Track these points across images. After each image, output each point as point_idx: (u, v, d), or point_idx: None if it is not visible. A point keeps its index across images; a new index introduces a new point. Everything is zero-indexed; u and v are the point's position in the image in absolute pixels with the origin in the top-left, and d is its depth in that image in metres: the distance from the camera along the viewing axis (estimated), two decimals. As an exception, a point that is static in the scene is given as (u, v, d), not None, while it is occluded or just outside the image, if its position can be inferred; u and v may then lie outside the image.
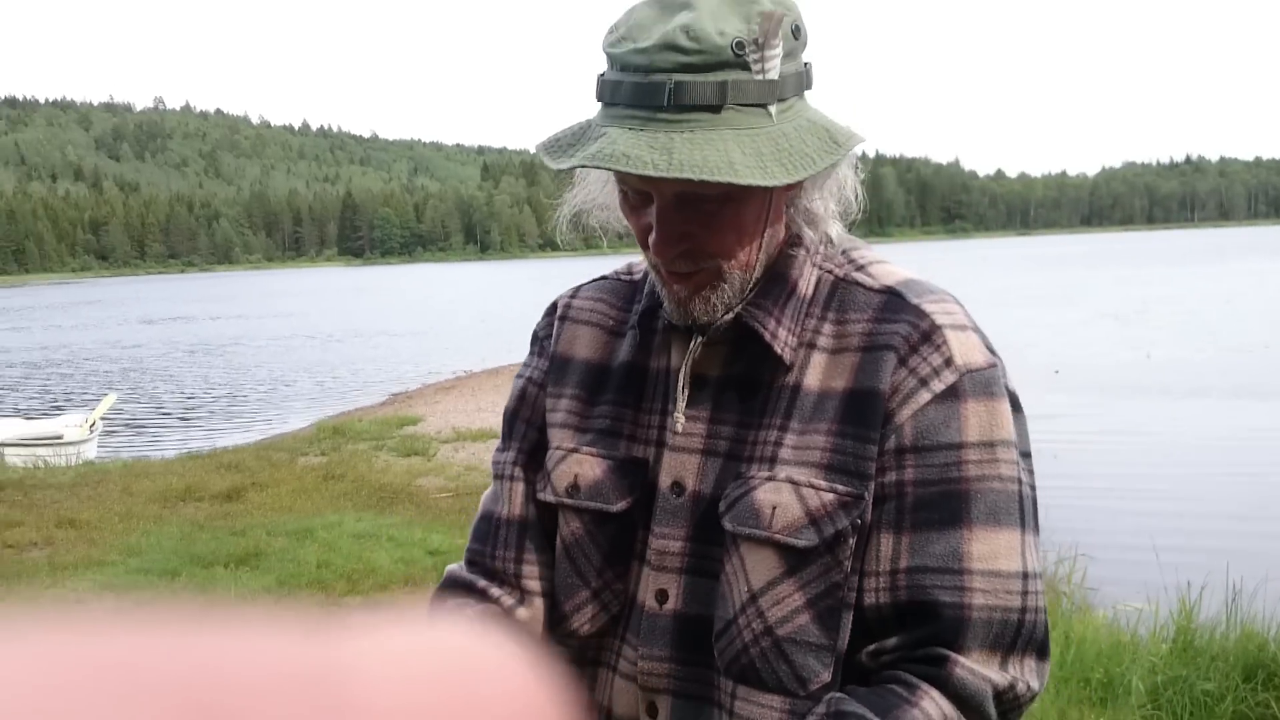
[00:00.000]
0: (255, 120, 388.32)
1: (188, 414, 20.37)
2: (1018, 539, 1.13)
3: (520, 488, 1.31)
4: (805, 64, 1.14)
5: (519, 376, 1.37)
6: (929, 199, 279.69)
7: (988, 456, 1.12)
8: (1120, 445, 12.98)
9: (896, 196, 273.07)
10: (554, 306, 1.37)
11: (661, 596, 1.20)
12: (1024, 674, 1.11)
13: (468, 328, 36.51)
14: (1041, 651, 1.14)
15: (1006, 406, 1.16)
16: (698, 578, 1.18)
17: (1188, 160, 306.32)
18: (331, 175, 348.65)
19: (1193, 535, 8.38)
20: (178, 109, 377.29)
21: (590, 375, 1.29)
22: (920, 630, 1.10)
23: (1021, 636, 1.11)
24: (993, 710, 1.09)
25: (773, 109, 1.08)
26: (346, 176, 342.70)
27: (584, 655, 1.26)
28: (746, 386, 1.20)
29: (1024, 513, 1.14)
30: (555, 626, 1.28)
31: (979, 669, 1.08)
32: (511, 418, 1.35)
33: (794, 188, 1.15)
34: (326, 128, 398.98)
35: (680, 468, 1.20)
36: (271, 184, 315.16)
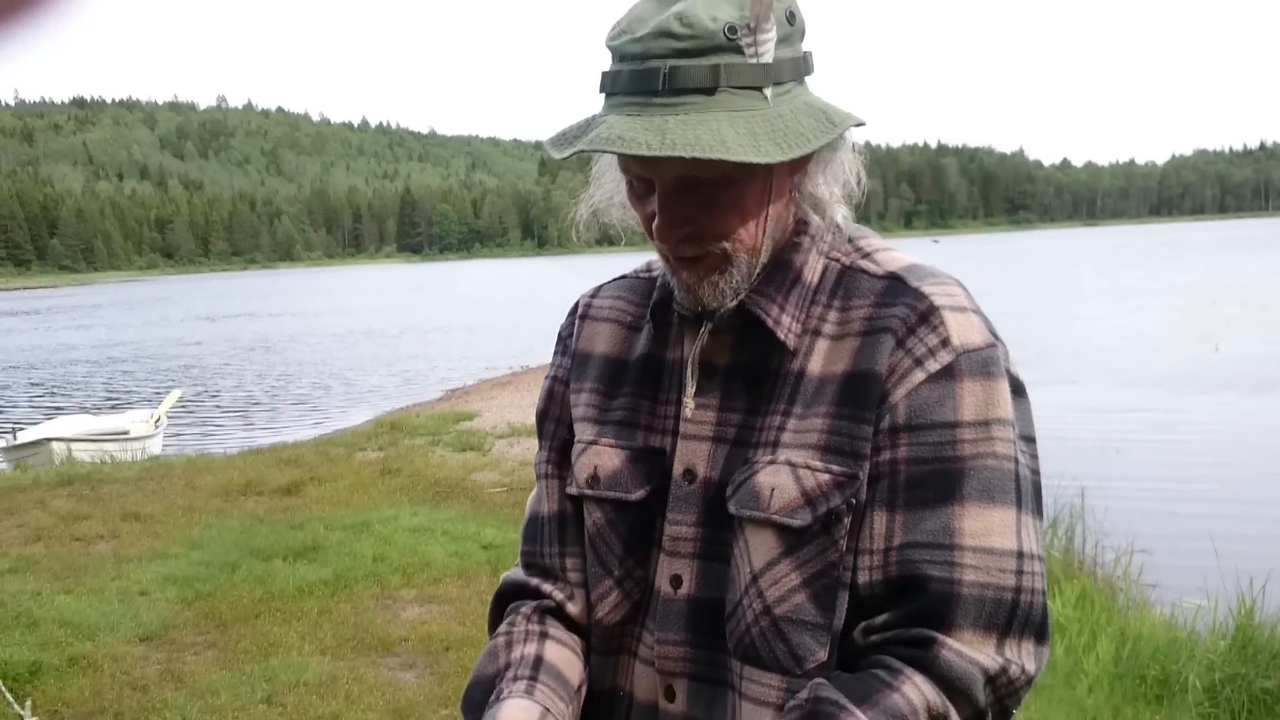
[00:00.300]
0: (315, 118, 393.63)
1: (249, 410, 20.72)
2: (1013, 517, 1.11)
3: (556, 485, 1.34)
4: (804, 51, 1.14)
5: (547, 378, 1.40)
6: (992, 190, 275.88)
7: (983, 435, 1.11)
8: (1184, 441, 12.74)
9: (959, 187, 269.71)
10: (576, 306, 1.40)
11: (676, 582, 1.21)
12: (1019, 656, 1.09)
13: (524, 323, 36.72)
14: (1040, 634, 1.11)
15: (1004, 386, 1.14)
16: (710, 562, 1.20)
17: (1262, 147, 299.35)
18: (390, 172, 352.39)
19: (1255, 532, 8.21)
20: (240, 107, 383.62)
21: (609, 369, 1.31)
22: (909, 606, 1.09)
23: (1017, 618, 1.09)
24: (982, 695, 1.07)
25: (768, 92, 1.08)
26: (405, 173, 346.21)
27: (609, 643, 1.28)
28: (754, 374, 1.20)
29: (1021, 492, 1.13)
30: (586, 615, 1.31)
31: (968, 651, 1.06)
32: (542, 418, 1.39)
33: (797, 172, 1.16)
34: (385, 124, 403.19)
35: (692, 455, 1.22)
36: (332, 181, 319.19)
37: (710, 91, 1.06)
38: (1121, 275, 50.05)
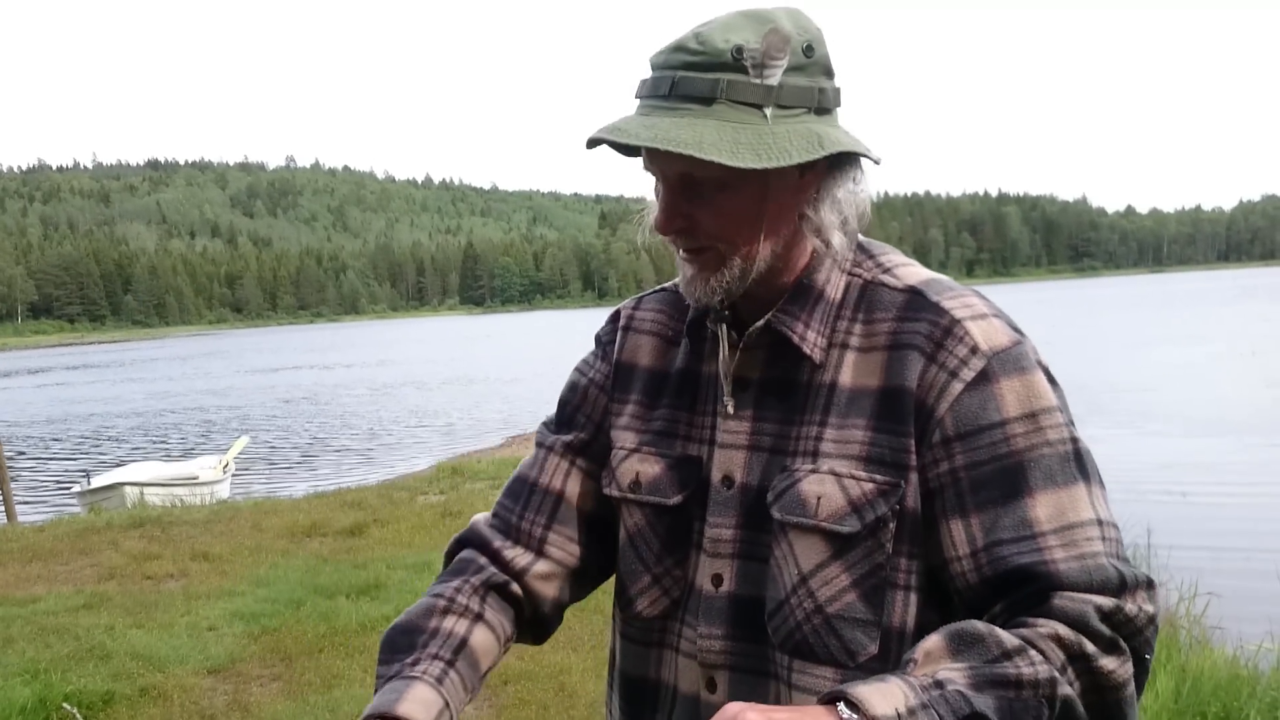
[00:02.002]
0: (380, 175, 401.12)
1: (313, 456, 21.09)
2: (1083, 491, 1.18)
3: (564, 465, 1.43)
4: (823, 86, 1.23)
5: (576, 370, 1.50)
6: (1055, 237, 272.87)
7: (1032, 427, 1.19)
8: (1253, 486, 12.50)
9: (1021, 235, 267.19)
10: (617, 314, 1.50)
11: (717, 580, 1.30)
12: (1134, 601, 1.12)
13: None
14: (1148, 583, 1.14)
15: (1040, 376, 1.22)
16: (749, 562, 1.28)
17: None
18: (453, 226, 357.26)
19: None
20: (307, 167, 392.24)
21: (651, 382, 1.41)
22: (1016, 594, 1.13)
23: (1123, 579, 1.13)
24: (1102, 627, 1.10)
25: (768, 111, 1.18)
26: (468, 227, 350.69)
27: (650, 637, 1.37)
28: (785, 386, 1.30)
29: (1083, 468, 1.19)
30: (626, 609, 1.39)
31: (1080, 595, 1.11)
32: (564, 405, 1.48)
33: (804, 192, 1.25)
34: (448, 180, 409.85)
35: (730, 463, 1.31)
36: (396, 236, 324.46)
37: (708, 102, 1.17)
38: (1188, 321, 49.20)
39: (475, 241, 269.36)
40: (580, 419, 1.45)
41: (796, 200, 1.26)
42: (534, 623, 1.42)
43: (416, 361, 51.01)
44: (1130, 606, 1.12)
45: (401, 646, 1.30)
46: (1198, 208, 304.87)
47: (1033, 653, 1.07)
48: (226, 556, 8.48)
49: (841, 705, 1.01)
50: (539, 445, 1.47)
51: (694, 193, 1.23)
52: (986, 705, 1.03)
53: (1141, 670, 1.15)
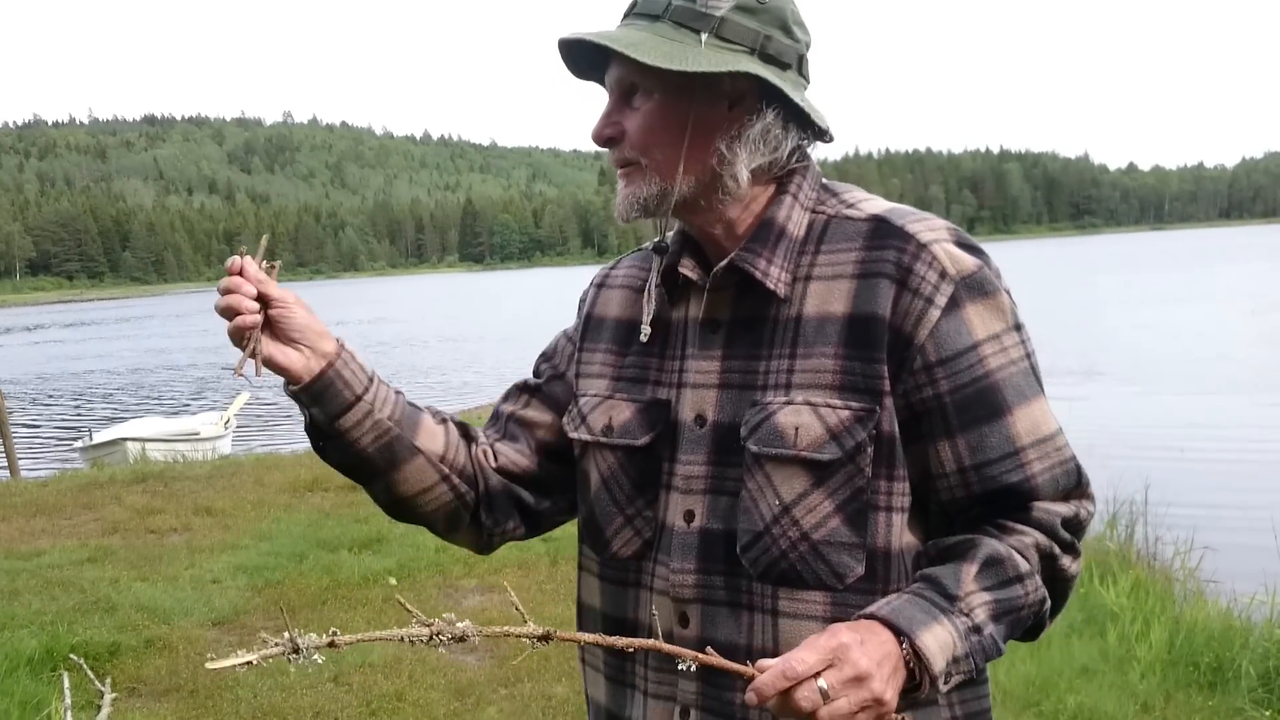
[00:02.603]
0: (379, 131, 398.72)
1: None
2: (1044, 402, 1.30)
3: (523, 398, 1.53)
4: (772, 35, 1.28)
5: (560, 333, 1.58)
6: (1056, 195, 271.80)
7: (998, 348, 1.27)
8: (1251, 442, 12.55)
9: (1023, 193, 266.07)
10: (596, 276, 1.58)
11: (689, 516, 1.33)
12: (1083, 504, 1.31)
13: (584, 329, 36.82)
14: (1089, 483, 1.33)
15: (1003, 297, 1.30)
16: (719, 497, 1.31)
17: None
18: (452, 183, 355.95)
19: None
20: (305, 122, 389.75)
21: (621, 331, 1.46)
22: (1000, 505, 1.28)
23: (1079, 480, 1.31)
24: (1065, 534, 1.29)
25: (703, 36, 1.26)
26: (467, 184, 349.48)
27: (625, 577, 1.40)
28: (752, 324, 1.33)
29: (1039, 379, 1.32)
30: (601, 551, 1.42)
31: (1051, 507, 1.28)
32: (541, 358, 1.58)
33: (725, 127, 1.30)
34: (447, 137, 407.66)
35: (701, 402, 1.34)
36: (395, 193, 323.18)
37: (655, 18, 1.28)
38: (1188, 278, 49.12)
39: (474, 198, 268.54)
40: (544, 368, 1.55)
41: (717, 131, 1.30)
42: (488, 506, 1.47)
43: (421, 319, 50.98)
44: (1083, 511, 1.31)
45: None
46: (1200, 165, 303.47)
47: (1035, 576, 1.25)
48: (229, 511, 8.53)
49: (906, 647, 1.13)
50: (515, 386, 1.58)
51: (626, 104, 1.32)
52: (1002, 638, 1.22)
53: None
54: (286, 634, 1.00)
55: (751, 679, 1.09)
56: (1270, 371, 17.45)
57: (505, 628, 1.10)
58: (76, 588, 6.21)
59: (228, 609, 5.90)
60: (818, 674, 1.07)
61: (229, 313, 1.31)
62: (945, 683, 1.16)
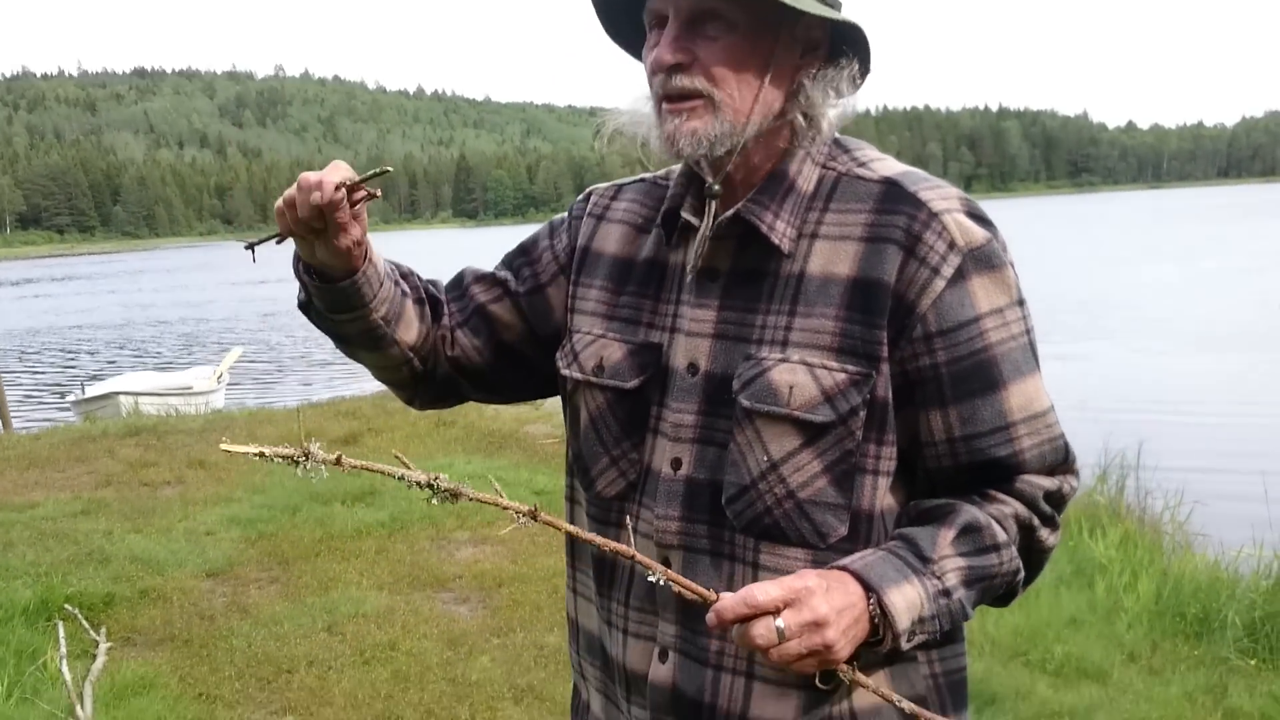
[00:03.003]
0: (372, 86, 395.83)
1: (307, 368, 21.11)
2: (1038, 379, 1.30)
3: (496, 292, 1.50)
4: None
5: (547, 225, 1.55)
6: (1055, 153, 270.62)
7: (1000, 322, 1.26)
8: (1244, 399, 12.59)
9: (1021, 151, 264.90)
10: (590, 196, 1.53)
11: (676, 464, 1.33)
12: (1067, 480, 1.32)
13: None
14: (1074, 459, 1.34)
15: (1009, 271, 1.28)
16: (707, 447, 1.31)
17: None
18: (446, 138, 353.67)
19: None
20: (297, 76, 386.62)
21: (617, 268, 1.44)
22: (986, 476, 1.28)
23: (1066, 456, 1.32)
24: (1046, 507, 1.30)
25: None
26: (460, 139, 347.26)
27: (609, 517, 1.40)
28: (752, 276, 1.31)
29: (1036, 355, 1.31)
30: (588, 489, 1.43)
31: (1034, 479, 1.29)
32: (520, 251, 1.54)
33: (801, 71, 1.27)
34: (441, 92, 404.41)
35: (695, 350, 1.33)
36: (388, 148, 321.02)
37: None
38: (1185, 237, 49.07)
39: (468, 154, 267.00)
40: (525, 272, 1.51)
41: (795, 72, 1.27)
42: (429, 376, 1.50)
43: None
44: (1065, 487, 1.31)
45: None
46: (1199, 124, 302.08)
47: (1011, 546, 1.26)
48: (222, 464, 8.52)
49: (873, 602, 1.15)
50: (494, 267, 1.54)
51: (699, 32, 1.24)
52: (971, 603, 1.23)
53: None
54: (301, 444, 1.09)
55: (714, 603, 1.12)
56: (1263, 330, 17.48)
57: (495, 497, 1.12)
58: (70, 539, 6.22)
59: (221, 560, 5.91)
60: (778, 611, 1.10)
61: (283, 212, 1.29)
62: (908, 641, 1.18)
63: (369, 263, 1.35)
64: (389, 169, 1.29)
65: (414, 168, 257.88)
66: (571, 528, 1.18)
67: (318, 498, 7.17)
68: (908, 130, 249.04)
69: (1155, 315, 20.52)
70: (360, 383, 17.17)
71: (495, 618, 5.01)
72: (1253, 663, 4.12)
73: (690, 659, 1.31)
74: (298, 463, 1.08)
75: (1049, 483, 1.29)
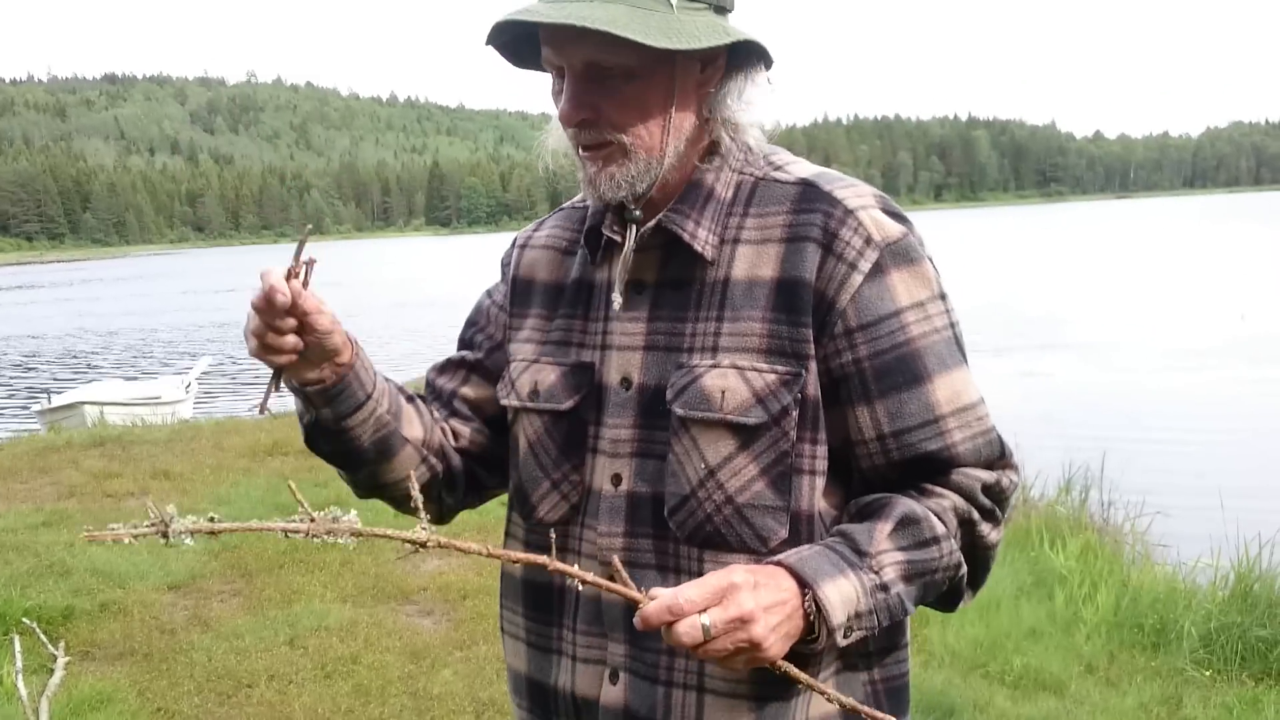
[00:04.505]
0: (344, 92, 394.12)
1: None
2: (966, 372, 1.30)
3: (461, 374, 1.50)
4: None
5: (484, 293, 1.54)
6: (1024, 162, 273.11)
7: (921, 315, 1.27)
8: (1205, 407, 12.72)
9: (990, 160, 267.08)
10: (516, 239, 1.55)
11: (616, 480, 1.33)
12: (1006, 474, 1.31)
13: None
14: (1011, 454, 1.33)
15: (927, 265, 1.29)
16: (646, 460, 1.31)
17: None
18: (419, 146, 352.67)
19: (1270, 496, 8.22)
20: (269, 82, 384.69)
21: (548, 294, 1.44)
22: (920, 472, 1.27)
23: (1002, 451, 1.30)
24: (985, 499, 1.28)
25: (674, 1, 1.21)
26: (434, 147, 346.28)
27: (551, 542, 1.39)
28: (678, 285, 1.32)
29: (962, 350, 1.31)
30: (528, 517, 1.42)
31: (971, 472, 1.27)
32: (468, 325, 1.54)
33: (705, 86, 1.28)
34: (414, 98, 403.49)
35: (627, 364, 1.33)
36: (360, 155, 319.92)
37: None
38: (1151, 245, 49.55)
39: (441, 161, 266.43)
40: (479, 338, 1.50)
41: (698, 95, 1.28)
42: (448, 483, 1.46)
43: (386, 283, 50.61)
44: (1004, 480, 1.30)
45: None
46: (1165, 134, 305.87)
47: (951, 539, 1.25)
48: (187, 475, 8.48)
49: (809, 601, 1.14)
50: (448, 361, 1.53)
51: (600, 83, 1.24)
52: (911, 599, 1.22)
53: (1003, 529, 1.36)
54: (157, 512, 1.01)
55: (638, 605, 1.11)
56: (1231, 343, 17.67)
57: (386, 530, 1.10)
58: (31, 552, 6.16)
59: (184, 573, 5.87)
60: (705, 609, 1.09)
61: (265, 349, 1.24)
62: (845, 636, 1.17)
63: (356, 354, 1.32)
64: (314, 258, 1.23)
65: (387, 175, 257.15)
66: (477, 546, 1.14)
67: (283, 509, 7.10)
68: (878, 139, 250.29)
69: (1122, 327, 20.72)
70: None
71: (459, 630, 5.00)
72: (1208, 674, 4.17)
73: (641, 678, 1.30)
74: (166, 536, 1.02)
75: (986, 475, 1.27)
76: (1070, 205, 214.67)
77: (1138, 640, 4.51)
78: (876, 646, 1.33)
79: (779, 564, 1.17)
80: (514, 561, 1.17)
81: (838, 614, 1.14)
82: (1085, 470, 7.37)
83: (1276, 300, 22.89)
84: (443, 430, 1.46)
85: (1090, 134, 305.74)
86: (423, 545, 1.09)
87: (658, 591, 1.11)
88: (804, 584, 1.14)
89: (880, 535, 1.21)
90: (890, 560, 1.20)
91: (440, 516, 1.51)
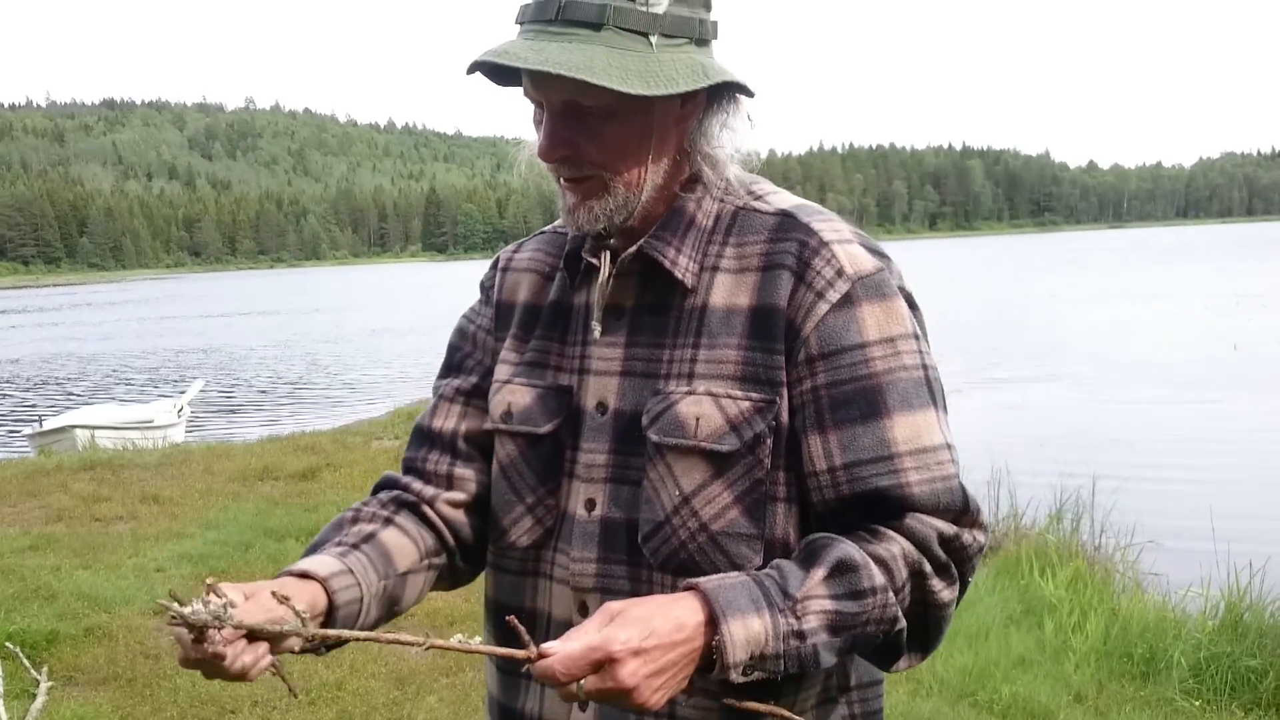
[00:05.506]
0: (342, 119, 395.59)
1: (271, 402, 20.97)
2: (934, 416, 1.25)
3: (458, 409, 1.45)
4: (703, 17, 1.26)
5: (463, 317, 1.52)
6: (1018, 192, 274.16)
7: (890, 351, 1.24)
8: (1199, 437, 12.72)
9: (984, 189, 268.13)
10: (497, 260, 1.53)
11: (590, 505, 1.32)
12: (971, 531, 1.24)
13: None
14: (979, 511, 1.26)
15: (899, 303, 1.27)
16: (621, 486, 1.30)
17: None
18: (416, 172, 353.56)
19: (1260, 525, 8.22)
20: (267, 109, 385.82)
21: (526, 316, 1.43)
22: (872, 511, 1.21)
23: (965, 503, 1.23)
24: (940, 552, 1.21)
25: (653, 39, 1.21)
26: (431, 173, 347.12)
27: (524, 566, 1.38)
28: (657, 312, 1.32)
29: (934, 394, 1.26)
30: (498, 541, 1.40)
31: (927, 519, 1.21)
32: (453, 350, 1.50)
33: (684, 122, 1.28)
34: (411, 125, 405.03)
35: (603, 389, 1.33)
36: (358, 181, 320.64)
37: (597, 27, 1.19)
38: (1144, 275, 49.72)
39: (438, 188, 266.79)
40: (469, 363, 1.47)
41: (678, 130, 1.28)
42: (462, 551, 1.42)
43: (380, 308, 50.63)
44: (966, 536, 1.23)
45: (309, 551, 1.33)
46: (1158, 164, 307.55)
47: (889, 592, 1.17)
48: (176, 499, 8.44)
49: (719, 634, 1.10)
50: (435, 396, 1.48)
51: (579, 121, 1.24)
52: (834, 651, 1.15)
53: (961, 592, 1.27)
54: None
55: (529, 660, 1.09)
56: (1220, 368, 17.70)
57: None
58: (16, 575, 6.12)
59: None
60: (580, 678, 1.06)
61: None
62: (743, 675, 1.12)
63: (332, 585, 1.25)
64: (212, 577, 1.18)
65: (384, 201, 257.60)
66: (336, 633, 1.16)
67: (272, 533, 7.11)
68: (873, 168, 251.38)
69: (1114, 356, 20.75)
70: (321, 418, 17.10)
71: (445, 657, 4.96)
72: (1197, 704, 4.15)
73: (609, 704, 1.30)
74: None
75: (945, 527, 1.21)
76: (1064, 234, 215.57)
77: (1127, 669, 4.49)
78: (858, 680, 1.31)
79: (696, 588, 1.14)
80: (390, 643, 1.15)
81: (738, 652, 1.10)
82: (1076, 499, 7.37)
83: (1269, 331, 22.95)
84: (440, 504, 1.40)
85: (1084, 164, 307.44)
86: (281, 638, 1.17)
87: (549, 648, 1.07)
88: (713, 615, 1.11)
89: (813, 580, 1.15)
90: (817, 608, 1.14)
91: (464, 582, 1.48)
